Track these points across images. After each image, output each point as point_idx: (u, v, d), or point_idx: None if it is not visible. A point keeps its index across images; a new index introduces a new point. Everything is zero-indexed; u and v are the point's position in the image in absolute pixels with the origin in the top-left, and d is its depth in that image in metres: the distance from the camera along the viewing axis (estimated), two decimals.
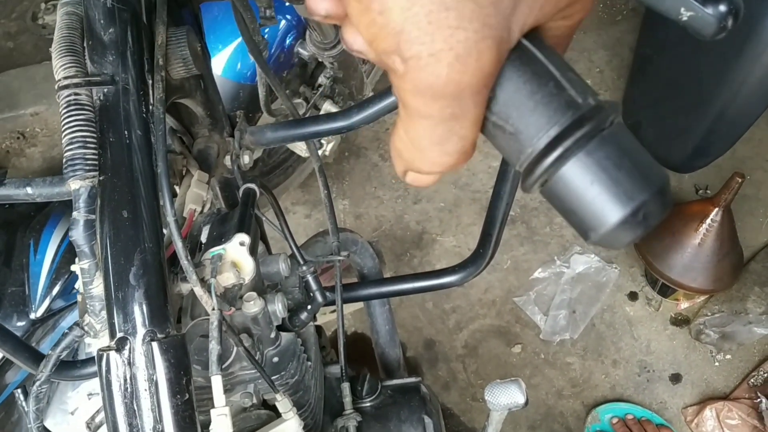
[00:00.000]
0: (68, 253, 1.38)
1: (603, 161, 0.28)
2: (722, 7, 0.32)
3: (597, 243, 0.30)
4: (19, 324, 1.30)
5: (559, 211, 0.30)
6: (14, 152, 2.03)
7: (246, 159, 0.81)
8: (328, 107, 1.36)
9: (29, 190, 0.59)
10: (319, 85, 1.38)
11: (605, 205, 0.28)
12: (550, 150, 0.29)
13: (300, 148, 1.27)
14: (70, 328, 0.55)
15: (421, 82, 0.28)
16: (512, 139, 0.30)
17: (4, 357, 0.68)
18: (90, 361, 0.72)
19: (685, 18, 0.32)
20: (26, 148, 2.03)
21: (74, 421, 1.36)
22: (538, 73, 0.29)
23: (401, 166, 0.33)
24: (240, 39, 0.78)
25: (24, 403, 0.60)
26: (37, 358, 0.67)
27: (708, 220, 1.66)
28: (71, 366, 0.72)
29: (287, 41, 1.36)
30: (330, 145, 1.40)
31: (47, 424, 1.34)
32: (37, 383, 0.57)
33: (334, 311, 0.90)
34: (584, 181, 0.28)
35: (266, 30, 1.28)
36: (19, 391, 0.62)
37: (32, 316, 1.31)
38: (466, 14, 0.26)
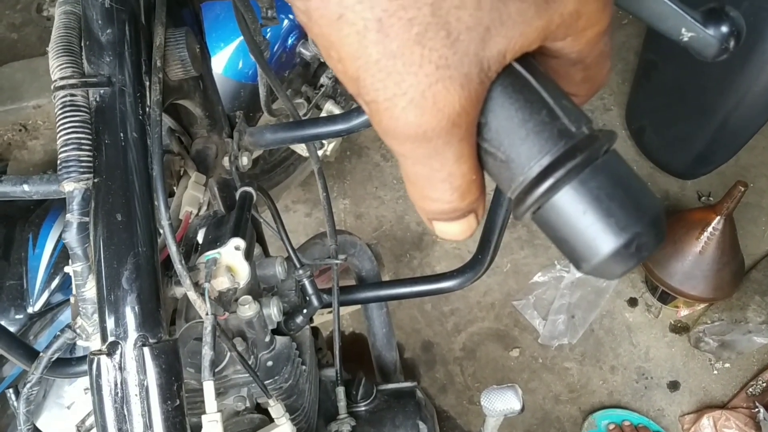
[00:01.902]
0: None
1: (595, 191, 0.28)
2: (724, 29, 0.31)
3: (589, 273, 0.29)
4: (17, 317, 1.30)
5: (551, 239, 0.30)
6: (16, 144, 2.03)
7: (244, 160, 0.81)
8: (330, 107, 1.36)
9: (26, 187, 0.58)
10: (321, 85, 1.38)
11: (597, 235, 0.28)
12: (541, 179, 0.28)
13: (301, 148, 1.26)
14: (62, 331, 0.55)
15: (383, 125, 0.29)
16: (504, 166, 0.30)
17: None
18: (85, 358, 0.72)
19: (686, 39, 0.31)
20: (28, 141, 2.03)
21: (70, 415, 1.36)
22: (531, 101, 0.29)
23: (419, 210, 0.33)
24: (242, 37, 0.78)
25: (15, 404, 0.59)
26: (31, 355, 0.66)
27: (710, 228, 1.66)
28: (66, 363, 0.72)
29: (289, 41, 1.35)
30: (331, 145, 1.39)
31: (43, 418, 1.34)
32: (28, 385, 0.56)
33: (331, 312, 0.90)
34: (576, 210, 0.28)
35: (268, 30, 1.28)
36: (10, 390, 0.61)
37: (30, 310, 1.31)
38: (415, 60, 0.27)
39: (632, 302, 1.91)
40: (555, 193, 0.28)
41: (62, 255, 1.35)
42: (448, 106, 0.27)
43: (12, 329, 1.28)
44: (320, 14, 0.27)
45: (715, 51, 0.32)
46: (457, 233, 0.33)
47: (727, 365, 1.82)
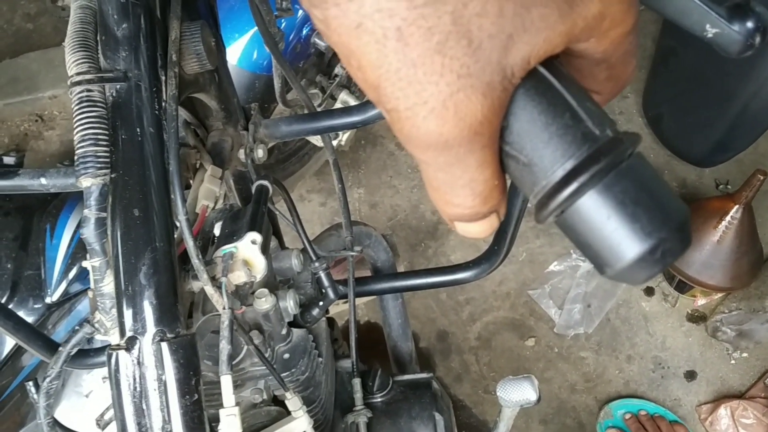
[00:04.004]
0: None
1: (620, 195, 0.27)
2: (749, 24, 0.30)
3: (612, 278, 0.29)
4: (35, 307, 1.32)
5: (574, 243, 0.29)
6: (32, 135, 2.04)
7: (260, 152, 0.81)
8: (344, 97, 1.36)
9: (43, 180, 0.59)
10: (336, 75, 1.37)
11: (622, 241, 0.27)
12: (565, 184, 0.28)
13: (315, 139, 1.26)
14: (81, 325, 0.55)
15: (404, 133, 0.28)
16: (526, 170, 0.29)
17: None
18: (103, 349, 0.73)
19: (710, 35, 0.31)
20: (44, 131, 2.04)
21: (89, 404, 1.37)
22: (554, 104, 0.28)
23: (441, 213, 0.33)
24: (256, 28, 0.77)
25: (35, 397, 0.60)
26: (50, 346, 0.67)
27: (728, 217, 1.64)
28: (85, 354, 0.73)
29: (304, 31, 1.35)
30: (346, 135, 1.39)
31: (62, 407, 1.36)
32: (48, 379, 0.57)
33: (346, 302, 0.90)
34: (600, 215, 0.27)
35: (282, 21, 1.27)
36: (30, 383, 0.62)
37: (48, 300, 1.32)
38: (436, 69, 0.26)
39: (649, 291, 1.90)
40: (579, 198, 0.28)
41: (80, 245, 1.36)
42: (470, 116, 0.27)
43: (30, 319, 1.30)
44: (339, 23, 0.26)
45: (740, 47, 0.31)
46: (478, 232, 0.33)
47: (744, 355, 1.81)
